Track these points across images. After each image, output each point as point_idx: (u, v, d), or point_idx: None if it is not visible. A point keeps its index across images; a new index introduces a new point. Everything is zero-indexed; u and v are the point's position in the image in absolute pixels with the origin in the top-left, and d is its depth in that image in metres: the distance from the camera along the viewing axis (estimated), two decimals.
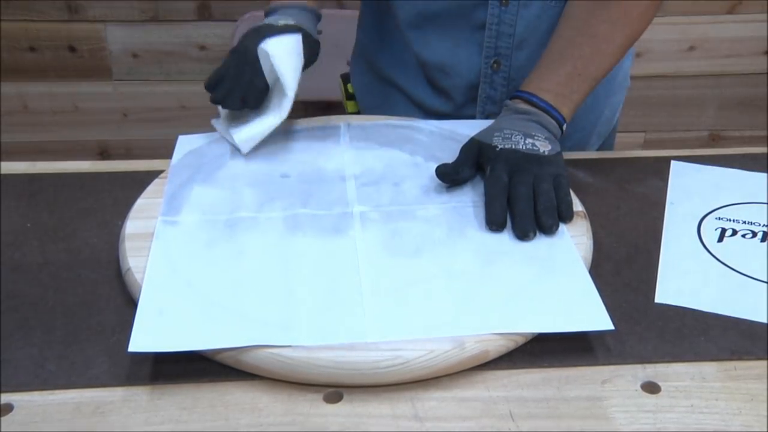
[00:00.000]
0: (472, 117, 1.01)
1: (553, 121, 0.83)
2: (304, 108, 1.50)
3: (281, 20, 0.90)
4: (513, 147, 0.79)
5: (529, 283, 0.68)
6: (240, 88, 0.86)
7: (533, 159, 0.78)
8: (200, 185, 0.82)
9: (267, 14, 0.95)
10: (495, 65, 0.97)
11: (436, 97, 1.02)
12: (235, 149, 0.88)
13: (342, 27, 1.37)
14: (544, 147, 0.79)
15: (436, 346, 0.61)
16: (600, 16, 0.86)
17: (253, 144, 0.87)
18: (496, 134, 0.81)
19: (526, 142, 0.79)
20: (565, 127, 0.85)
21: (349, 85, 1.15)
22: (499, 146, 0.79)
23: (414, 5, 0.96)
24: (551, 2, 0.92)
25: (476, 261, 0.71)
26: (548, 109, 0.83)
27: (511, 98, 0.86)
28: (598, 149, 1.08)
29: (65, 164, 0.90)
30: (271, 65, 0.85)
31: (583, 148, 1.04)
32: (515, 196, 0.75)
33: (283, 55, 0.85)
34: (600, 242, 0.77)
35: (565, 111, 0.84)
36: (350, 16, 1.45)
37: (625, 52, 0.88)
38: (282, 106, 0.86)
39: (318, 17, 0.97)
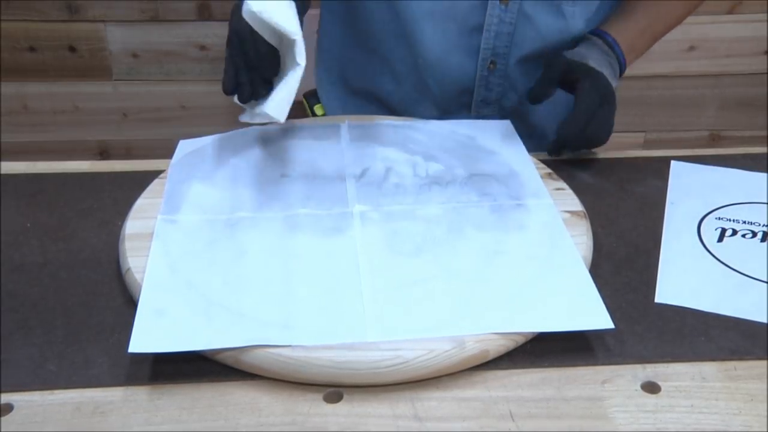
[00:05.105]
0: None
1: (619, 72, 0.93)
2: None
3: None
4: (605, 73, 0.89)
5: (529, 282, 0.68)
6: (257, 71, 0.78)
7: (611, 97, 0.88)
8: (200, 183, 0.82)
9: None
10: (491, 65, 0.97)
11: (421, 104, 1.01)
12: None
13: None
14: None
15: (436, 346, 0.61)
16: None
17: (286, 107, 0.78)
18: (589, 56, 0.90)
19: (609, 74, 0.89)
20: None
21: (317, 107, 1.10)
22: (595, 67, 0.88)
23: (406, 5, 0.93)
24: (567, 2, 0.93)
25: (476, 261, 0.71)
26: (621, 61, 0.93)
27: (591, 33, 0.95)
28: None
29: (65, 164, 0.90)
30: (264, 23, 0.76)
31: None
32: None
33: (269, 5, 0.75)
34: (600, 242, 0.77)
35: (626, 65, 0.95)
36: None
37: (680, 20, 1.00)
38: (296, 55, 0.77)
39: None
